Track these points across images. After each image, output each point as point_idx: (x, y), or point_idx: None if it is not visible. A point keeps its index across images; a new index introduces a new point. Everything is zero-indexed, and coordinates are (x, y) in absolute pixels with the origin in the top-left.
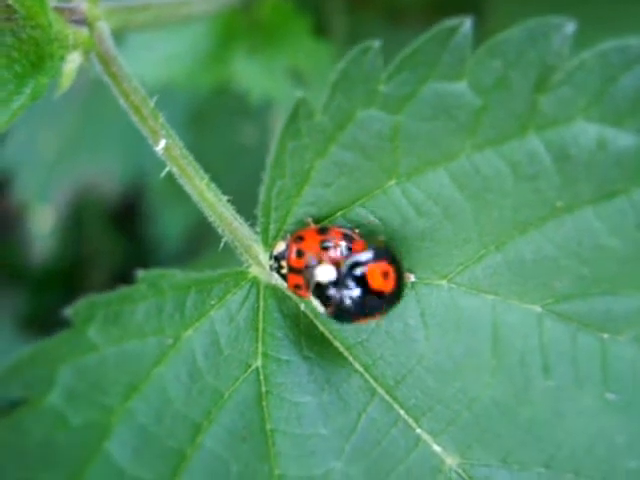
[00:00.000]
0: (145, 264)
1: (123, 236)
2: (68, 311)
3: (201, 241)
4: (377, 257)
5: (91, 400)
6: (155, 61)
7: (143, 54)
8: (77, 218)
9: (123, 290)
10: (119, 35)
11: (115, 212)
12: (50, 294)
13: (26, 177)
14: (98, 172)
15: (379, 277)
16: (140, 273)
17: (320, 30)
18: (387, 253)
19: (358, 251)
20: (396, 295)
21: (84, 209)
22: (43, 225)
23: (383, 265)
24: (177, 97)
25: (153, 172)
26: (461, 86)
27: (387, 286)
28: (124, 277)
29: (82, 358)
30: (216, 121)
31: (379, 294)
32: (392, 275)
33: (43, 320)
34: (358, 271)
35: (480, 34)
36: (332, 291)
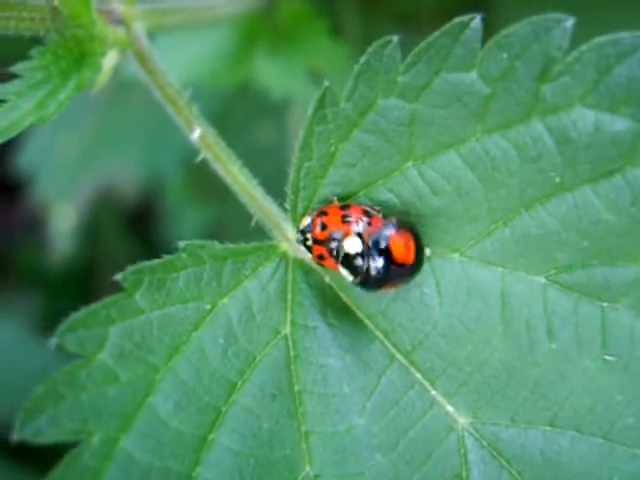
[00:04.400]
0: None
1: (139, 238)
2: (118, 276)
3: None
4: (399, 229)
5: (138, 358)
6: (181, 61)
7: (170, 55)
8: (94, 220)
9: (166, 258)
10: (149, 36)
11: (132, 215)
12: (65, 295)
13: (47, 179)
14: (117, 174)
15: (402, 248)
16: (181, 243)
17: (336, 32)
18: (407, 226)
19: (378, 225)
20: (417, 264)
21: (101, 211)
22: (63, 226)
23: (404, 237)
24: (199, 98)
25: (171, 176)
26: (471, 76)
27: (408, 256)
28: None
29: (130, 320)
30: (236, 122)
31: (402, 264)
32: (412, 245)
33: (58, 321)
34: (382, 243)
35: (489, 34)
36: (359, 261)
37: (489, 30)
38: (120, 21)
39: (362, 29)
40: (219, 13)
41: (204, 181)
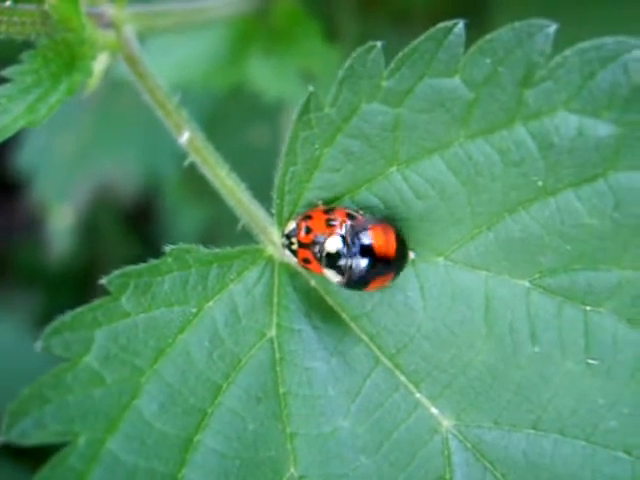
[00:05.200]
0: None
1: (137, 237)
2: (103, 280)
3: (214, 242)
4: (378, 223)
5: (123, 361)
6: (172, 64)
7: (161, 58)
8: (92, 219)
9: (152, 262)
10: (140, 39)
11: (130, 213)
12: (64, 294)
13: (45, 179)
14: (114, 173)
15: (381, 239)
16: (167, 247)
17: (330, 34)
18: (384, 220)
19: (359, 223)
20: (399, 259)
21: (99, 210)
22: (61, 225)
23: (383, 228)
24: (191, 101)
25: (168, 174)
26: (455, 81)
27: (390, 248)
28: None
29: (115, 323)
30: (229, 124)
31: (384, 258)
32: (392, 238)
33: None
34: (362, 236)
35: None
36: (342, 260)
37: (484, 32)
38: (110, 24)
39: (358, 30)
40: (212, 15)
41: (201, 180)
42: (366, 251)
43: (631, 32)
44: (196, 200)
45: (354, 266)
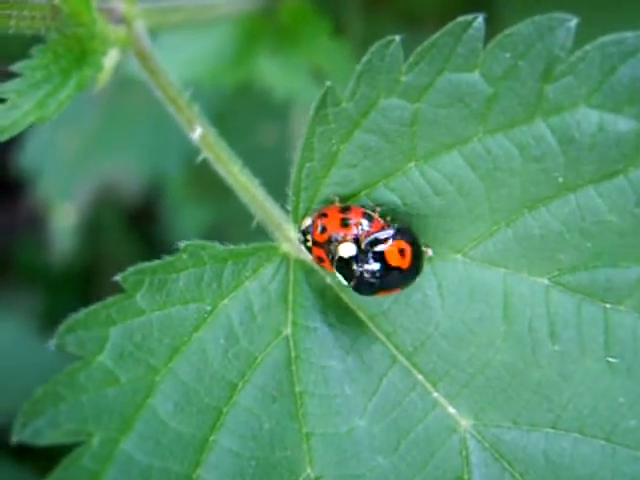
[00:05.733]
0: None
1: (140, 237)
2: (117, 277)
3: (219, 242)
4: (394, 236)
5: (138, 359)
6: (182, 61)
7: (171, 54)
8: (95, 218)
9: (167, 259)
10: (151, 35)
11: (133, 213)
12: (66, 293)
13: (48, 178)
14: (117, 173)
15: (396, 254)
16: (181, 243)
17: (338, 32)
18: (403, 232)
19: (376, 230)
20: (414, 271)
21: (102, 210)
22: (64, 225)
23: (400, 243)
24: (199, 98)
25: (172, 174)
26: (474, 76)
27: (404, 262)
28: None
29: (130, 321)
30: (238, 122)
31: (397, 270)
32: (408, 252)
33: (60, 319)
34: (376, 248)
35: (492, 34)
36: (353, 266)
37: (492, 30)
38: (121, 20)
39: (365, 28)
40: (221, 12)
41: (205, 179)
42: (379, 262)
43: None
44: (201, 200)
45: (364, 274)
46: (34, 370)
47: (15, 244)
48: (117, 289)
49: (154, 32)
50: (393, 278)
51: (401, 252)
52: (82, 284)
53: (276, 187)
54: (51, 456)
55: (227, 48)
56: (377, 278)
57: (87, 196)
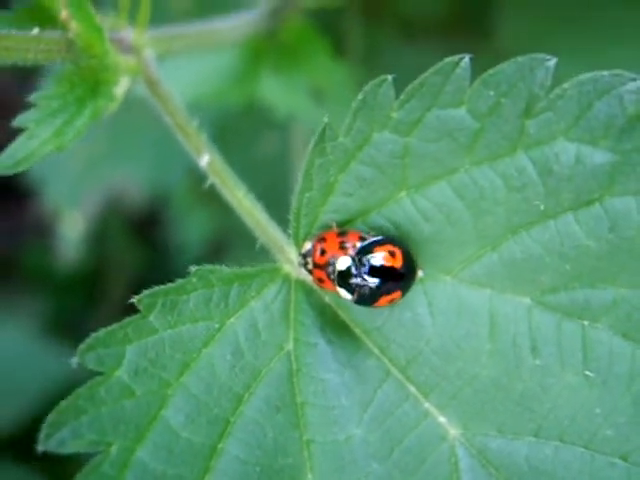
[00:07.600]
0: (165, 271)
1: (145, 245)
2: (134, 300)
3: (221, 249)
4: (380, 241)
5: (152, 375)
6: (188, 81)
7: (177, 75)
8: (101, 226)
9: (178, 282)
10: (158, 61)
11: (138, 221)
12: (72, 299)
13: (56, 186)
14: (125, 182)
15: (387, 255)
16: (192, 268)
17: (338, 49)
18: (390, 239)
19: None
20: (408, 270)
21: (109, 218)
22: (72, 233)
23: (387, 246)
24: (203, 110)
25: (177, 183)
26: (461, 112)
27: (396, 262)
28: (145, 283)
29: (145, 339)
30: (241, 133)
31: (392, 270)
32: (398, 253)
33: (65, 324)
34: (368, 255)
35: (489, 50)
36: (352, 278)
37: (489, 40)
38: (130, 49)
39: (366, 43)
40: (226, 36)
41: (209, 189)
42: (375, 270)
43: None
44: (204, 209)
45: (363, 280)
46: (38, 374)
47: (21, 249)
48: (123, 293)
49: (162, 58)
50: (390, 279)
51: (391, 253)
52: (87, 290)
53: (278, 197)
54: (54, 457)
55: (231, 69)
56: (376, 287)
57: (94, 205)
